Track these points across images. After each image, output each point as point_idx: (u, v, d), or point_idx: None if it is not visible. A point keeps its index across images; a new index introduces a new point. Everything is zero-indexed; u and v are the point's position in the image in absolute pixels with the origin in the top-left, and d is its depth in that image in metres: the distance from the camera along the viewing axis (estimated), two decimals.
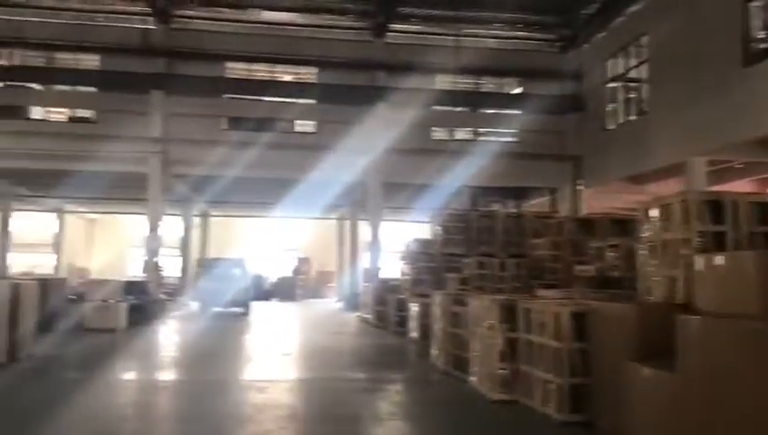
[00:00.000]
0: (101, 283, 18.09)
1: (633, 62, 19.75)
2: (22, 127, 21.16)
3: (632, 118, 19.94)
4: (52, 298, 14.89)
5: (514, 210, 24.07)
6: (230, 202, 28.75)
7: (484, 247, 18.26)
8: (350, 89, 21.98)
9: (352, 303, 23.87)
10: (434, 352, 11.22)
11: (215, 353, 12.74)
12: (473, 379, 9.06)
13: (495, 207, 24.91)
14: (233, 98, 22.90)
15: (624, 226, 13.04)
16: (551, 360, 7.15)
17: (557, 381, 7.00)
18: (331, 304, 29.68)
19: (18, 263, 31.97)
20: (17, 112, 21.87)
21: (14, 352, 10.00)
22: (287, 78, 23.54)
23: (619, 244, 11.43)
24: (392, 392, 9.46)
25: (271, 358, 11.92)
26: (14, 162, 20.84)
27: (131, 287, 18.45)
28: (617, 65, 20.67)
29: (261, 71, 23.27)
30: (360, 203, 25.27)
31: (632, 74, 20.02)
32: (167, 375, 10.50)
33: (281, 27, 22.68)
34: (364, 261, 26.03)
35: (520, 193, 25.31)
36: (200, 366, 11.23)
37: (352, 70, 22.33)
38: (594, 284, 10.94)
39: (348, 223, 31.23)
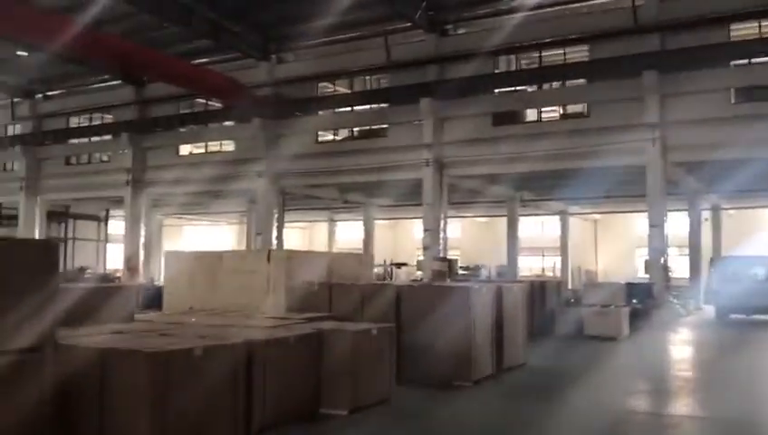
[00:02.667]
0: (601, 285, 16.83)
1: None
2: (518, 131, 21.47)
3: None
4: (549, 301, 14.13)
5: None
6: (748, 191, 24.48)
7: None
8: None
9: None
10: None
11: (739, 378, 9.98)
12: None
13: None
14: (740, 65, 19.21)
15: None
16: None
17: None
18: None
19: (528, 266, 33.51)
20: (514, 117, 22.34)
21: (501, 362, 9.22)
22: None
23: None
24: None
25: None
26: (515, 166, 21.30)
27: (634, 290, 16.71)
28: None
29: None
30: None
31: None
32: (676, 407, 8.33)
33: None
34: None
35: None
36: (721, 396, 8.70)
37: None
38: None
39: None
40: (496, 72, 21.86)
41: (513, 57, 22.42)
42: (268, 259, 9.61)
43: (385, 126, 23.90)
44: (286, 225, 41.25)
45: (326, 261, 10.29)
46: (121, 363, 4.80)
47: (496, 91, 22.06)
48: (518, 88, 22.36)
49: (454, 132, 21.82)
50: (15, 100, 31.18)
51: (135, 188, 27.68)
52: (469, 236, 38.14)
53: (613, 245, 36.25)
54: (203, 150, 27.76)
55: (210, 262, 10.17)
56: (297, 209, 33.42)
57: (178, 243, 40.97)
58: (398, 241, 40.48)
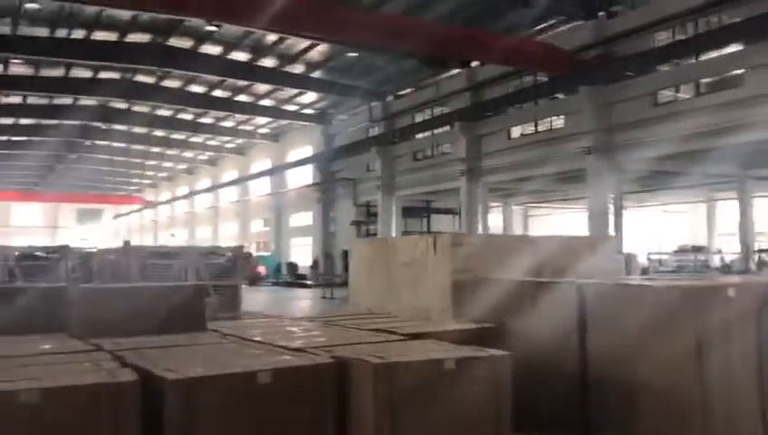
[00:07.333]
0: None
1: None
2: None
3: None
4: None
5: None
6: None
7: None
8: None
9: None
10: None
11: None
12: None
13: None
14: None
15: None
16: None
17: None
18: None
19: None
20: None
21: None
22: None
23: None
24: None
25: None
26: None
27: None
28: None
29: None
30: None
31: None
32: None
33: None
34: None
35: None
36: None
37: None
38: None
39: None
40: None
41: None
42: (434, 248, 7.22)
43: (740, 72, 18.56)
44: (658, 208, 36.33)
45: (529, 249, 7.40)
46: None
47: None
48: None
49: None
50: (372, 104, 33.23)
51: (470, 177, 26.84)
52: None
53: None
54: (533, 131, 25.51)
55: (386, 252, 8.18)
56: (660, 189, 28.81)
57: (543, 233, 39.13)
58: None
